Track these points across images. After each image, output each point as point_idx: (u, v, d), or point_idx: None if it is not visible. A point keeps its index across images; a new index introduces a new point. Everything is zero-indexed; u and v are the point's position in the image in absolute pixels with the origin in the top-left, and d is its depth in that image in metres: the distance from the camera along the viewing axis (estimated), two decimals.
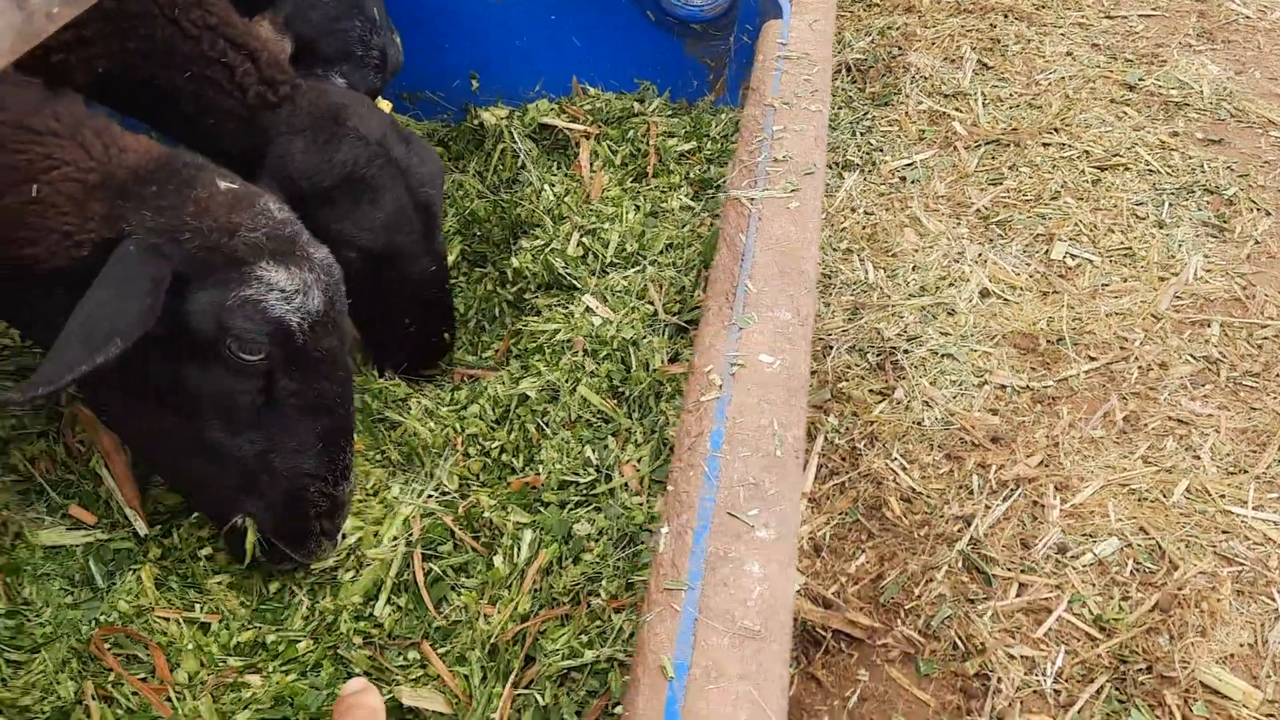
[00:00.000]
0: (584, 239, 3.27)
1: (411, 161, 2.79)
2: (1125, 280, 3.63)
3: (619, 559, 2.24)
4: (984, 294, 3.60)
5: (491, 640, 2.19)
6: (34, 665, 2.06)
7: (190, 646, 2.19)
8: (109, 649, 2.12)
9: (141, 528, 2.41)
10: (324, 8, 3.01)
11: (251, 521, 2.23)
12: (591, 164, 3.61)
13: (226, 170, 2.19)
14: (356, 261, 2.68)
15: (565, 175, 3.61)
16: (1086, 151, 4.20)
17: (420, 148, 2.87)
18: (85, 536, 2.31)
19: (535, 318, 3.12)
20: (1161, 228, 3.84)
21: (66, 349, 1.76)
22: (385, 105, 3.01)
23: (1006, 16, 5.12)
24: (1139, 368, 3.31)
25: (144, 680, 2.09)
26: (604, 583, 2.18)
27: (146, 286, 1.86)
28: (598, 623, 2.12)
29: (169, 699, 2.06)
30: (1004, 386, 3.27)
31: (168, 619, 2.25)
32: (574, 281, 3.15)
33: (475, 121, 3.92)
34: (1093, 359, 3.34)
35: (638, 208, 3.37)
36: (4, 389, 2.69)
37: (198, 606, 2.30)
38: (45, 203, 1.91)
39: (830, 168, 4.20)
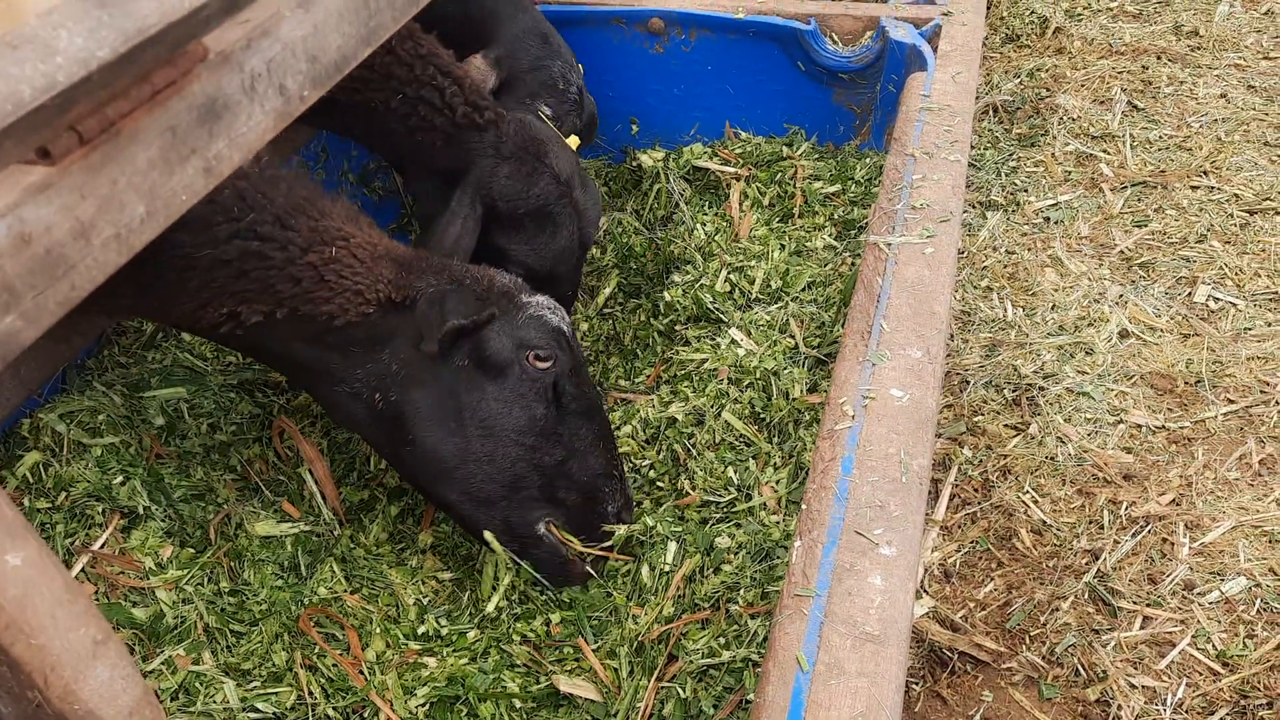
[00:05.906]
0: (731, 275, 3.51)
1: (586, 204, 3.21)
2: (1270, 324, 3.64)
3: (756, 571, 2.45)
4: (1123, 335, 3.67)
5: (639, 639, 2.43)
6: (252, 636, 2.41)
7: (378, 630, 2.51)
8: (314, 626, 2.46)
9: (336, 526, 2.76)
10: (531, 49, 3.50)
11: (557, 527, 2.61)
12: (741, 204, 3.84)
13: None
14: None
15: (716, 215, 3.86)
16: (1236, 195, 4.20)
17: (592, 190, 3.28)
18: (292, 529, 2.67)
19: (685, 347, 3.37)
20: None
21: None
22: (573, 141, 3.38)
23: (1159, 58, 5.13)
24: (1279, 412, 3.34)
25: (341, 655, 2.41)
26: (742, 591, 2.40)
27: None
28: (735, 627, 2.34)
29: (362, 672, 2.38)
30: (1139, 426, 3.34)
31: (354, 606, 2.58)
32: (721, 315, 3.39)
33: (634, 163, 4.21)
34: (1231, 401, 3.38)
35: (783, 247, 3.58)
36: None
37: (378, 599, 2.63)
38: (341, 261, 2.30)
39: (974, 207, 4.32)
